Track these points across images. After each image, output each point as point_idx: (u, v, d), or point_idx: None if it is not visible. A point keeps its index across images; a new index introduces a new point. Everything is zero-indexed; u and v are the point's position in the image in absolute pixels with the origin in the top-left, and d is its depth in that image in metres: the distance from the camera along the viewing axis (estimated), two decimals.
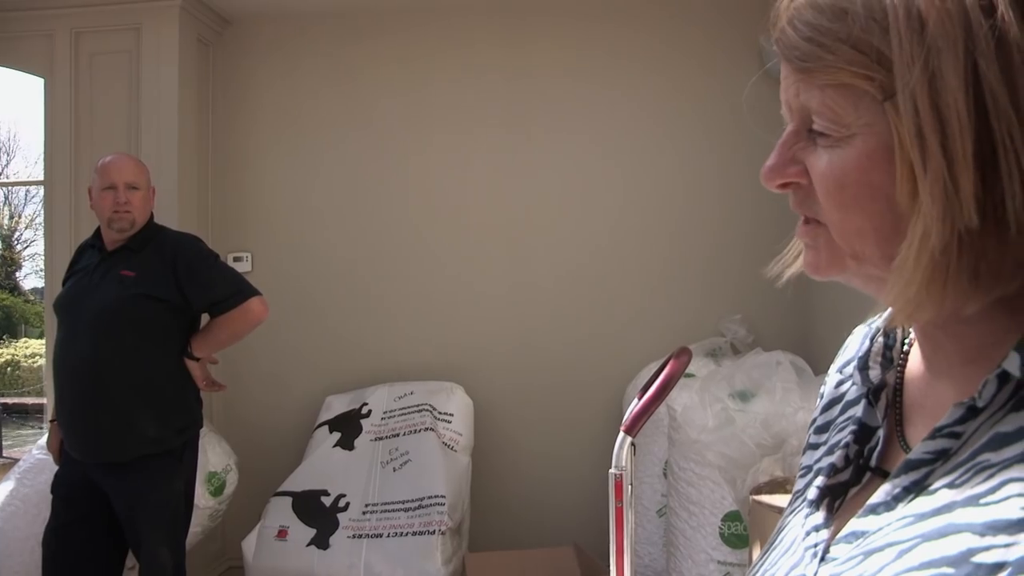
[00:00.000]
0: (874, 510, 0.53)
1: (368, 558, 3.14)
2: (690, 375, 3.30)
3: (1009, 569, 0.42)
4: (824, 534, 0.59)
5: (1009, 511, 0.45)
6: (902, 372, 0.64)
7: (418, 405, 3.75)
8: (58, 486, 2.90)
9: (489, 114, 4.05)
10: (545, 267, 4.02)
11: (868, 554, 0.52)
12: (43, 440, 3.31)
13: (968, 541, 0.45)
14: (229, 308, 2.90)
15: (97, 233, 2.97)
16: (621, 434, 2.03)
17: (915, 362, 0.62)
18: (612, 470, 2.00)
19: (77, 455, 2.84)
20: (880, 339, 0.66)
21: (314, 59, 4.16)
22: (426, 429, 3.62)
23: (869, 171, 0.52)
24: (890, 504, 0.53)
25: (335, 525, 3.30)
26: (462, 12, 4.04)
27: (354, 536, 3.24)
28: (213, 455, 3.47)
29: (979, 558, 0.44)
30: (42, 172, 4.05)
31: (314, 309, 4.18)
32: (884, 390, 0.64)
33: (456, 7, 4.03)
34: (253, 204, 4.24)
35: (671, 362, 2.11)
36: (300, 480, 3.51)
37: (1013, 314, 0.51)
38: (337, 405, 3.91)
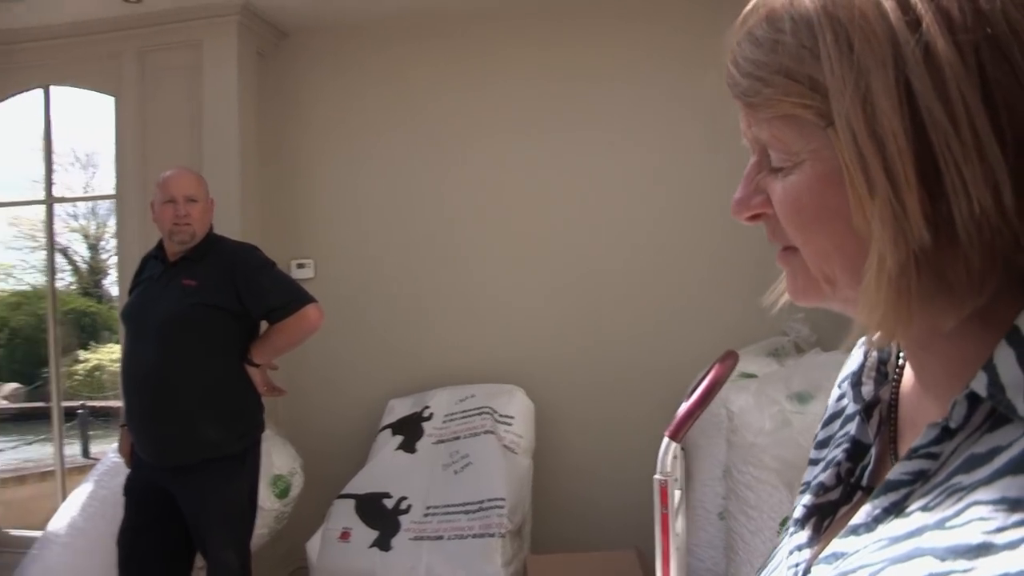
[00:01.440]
0: (855, 531, 0.53)
1: (429, 560, 3.17)
2: (751, 375, 3.24)
3: None
4: (806, 554, 0.59)
5: (970, 535, 0.44)
6: (897, 387, 0.63)
7: (479, 408, 3.76)
8: (130, 489, 3.02)
9: (539, 116, 4.04)
10: (602, 267, 3.99)
11: None
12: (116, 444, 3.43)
13: (930, 565, 0.45)
14: (286, 315, 2.97)
15: (160, 245, 3.07)
16: (665, 439, 2.01)
17: (909, 377, 0.61)
18: (656, 476, 1.98)
19: (145, 458, 2.95)
20: (875, 353, 0.65)
21: (368, 68, 4.22)
22: (486, 432, 3.63)
23: (822, 194, 0.52)
24: (870, 525, 0.52)
25: (397, 527, 3.33)
26: (512, 16, 4.05)
27: (415, 538, 3.27)
28: (279, 458, 3.54)
29: None
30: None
31: (377, 313, 4.23)
32: (878, 406, 0.63)
33: (507, 11, 4.03)
34: (315, 211, 4.31)
35: (716, 366, 2.08)
36: (363, 483, 3.56)
37: (990, 327, 0.50)
38: (400, 408, 3.96)
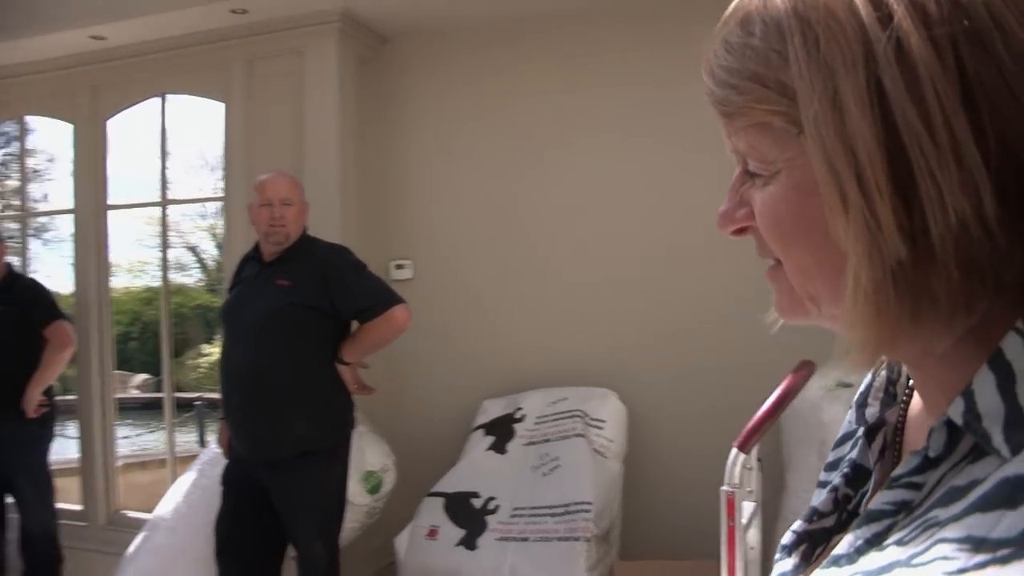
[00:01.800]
0: (836, 562, 0.50)
1: (513, 561, 3.19)
2: (847, 385, 3.12)
3: None
4: None
5: (931, 574, 0.42)
6: (906, 409, 0.59)
7: (570, 411, 3.76)
8: (227, 479, 3.15)
9: (639, 119, 4.00)
10: (701, 270, 3.92)
11: None
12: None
13: None
14: (374, 315, 3.05)
15: (257, 246, 3.19)
16: (733, 450, 1.96)
17: (917, 399, 0.58)
18: (723, 487, 1.93)
19: (241, 451, 3.08)
20: (883, 373, 0.62)
21: (466, 72, 4.26)
22: (577, 435, 3.62)
23: (800, 205, 0.50)
24: (852, 556, 0.50)
25: (483, 527, 3.36)
26: (615, 19, 4.01)
27: (501, 539, 3.30)
28: (371, 455, 3.62)
29: None
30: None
31: (474, 314, 4.27)
32: (883, 429, 0.60)
33: (609, 14, 4.00)
34: (414, 213, 4.39)
35: (790, 376, 2.02)
36: (453, 482, 3.61)
37: (984, 348, 0.46)
38: (493, 409, 3.99)
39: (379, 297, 3.06)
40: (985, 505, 0.41)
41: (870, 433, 0.59)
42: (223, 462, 3.20)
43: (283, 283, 3.03)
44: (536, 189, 4.16)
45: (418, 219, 4.38)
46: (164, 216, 4.75)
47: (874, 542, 0.48)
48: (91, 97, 4.58)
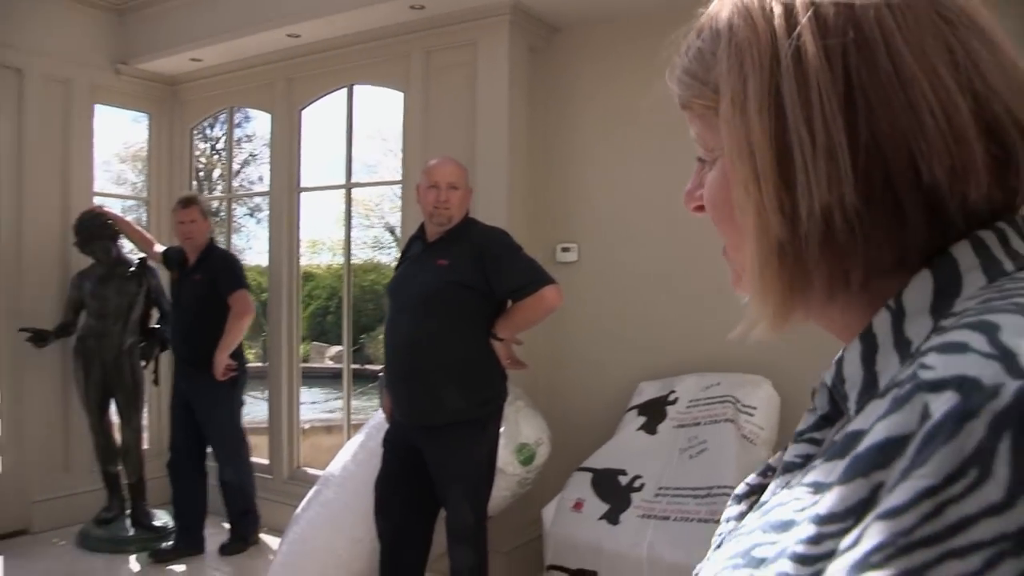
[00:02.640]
0: (760, 507, 0.57)
1: (653, 538, 3.27)
2: None
3: (768, 563, 0.48)
4: (731, 525, 0.64)
5: (784, 514, 0.50)
6: None
7: (722, 396, 3.78)
8: (387, 441, 3.39)
9: None
10: None
11: (719, 547, 0.59)
12: None
13: (755, 538, 0.51)
14: (526, 295, 3.18)
15: (422, 226, 3.40)
16: None
17: None
18: None
19: (400, 417, 3.32)
20: None
21: (636, 60, 4.30)
22: (726, 420, 3.64)
23: (724, 188, 0.58)
24: (764, 503, 0.57)
25: (627, 503, 3.46)
26: None
27: (643, 516, 3.38)
28: (527, 427, 3.78)
29: (755, 552, 0.50)
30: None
31: (633, 297, 4.34)
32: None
33: None
34: (580, 198, 4.50)
35: None
36: (602, 458, 3.72)
37: (868, 318, 0.53)
38: (648, 391, 4.05)
39: (531, 277, 3.20)
40: (831, 455, 0.47)
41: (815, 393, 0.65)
42: (386, 426, 3.47)
43: (443, 262, 3.22)
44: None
45: (584, 204, 4.49)
46: (348, 198, 5.10)
47: (787, 486, 0.55)
48: (286, 89, 5.01)
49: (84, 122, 5.10)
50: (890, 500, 0.39)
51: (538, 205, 4.42)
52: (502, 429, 3.41)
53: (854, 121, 0.49)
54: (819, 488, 0.47)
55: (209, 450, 4.57)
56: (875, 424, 0.43)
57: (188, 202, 4.52)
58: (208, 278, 4.41)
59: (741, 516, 0.64)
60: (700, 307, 4.16)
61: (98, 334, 4.59)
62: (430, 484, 3.25)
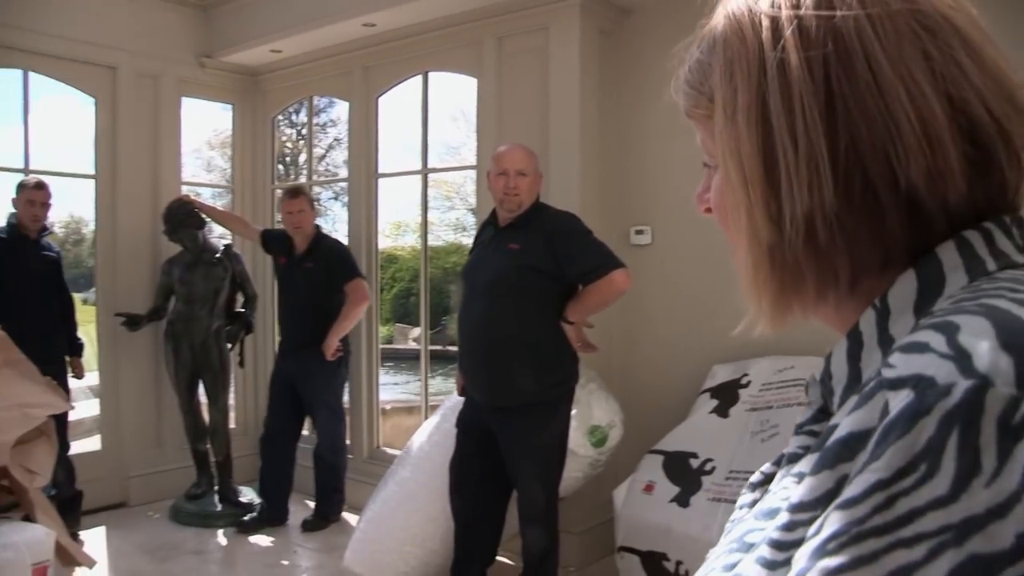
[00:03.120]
0: (766, 495, 0.60)
1: (723, 521, 3.25)
2: None
3: (755, 548, 0.51)
4: (743, 512, 0.66)
5: (773, 502, 0.54)
6: None
7: (796, 380, 3.74)
8: (461, 422, 3.47)
9: None
10: None
11: (727, 533, 0.62)
12: None
13: (749, 524, 0.55)
14: (596, 278, 3.21)
15: (494, 211, 3.45)
16: None
17: None
18: None
19: (474, 398, 3.39)
20: None
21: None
22: (799, 404, 3.61)
23: (723, 193, 0.61)
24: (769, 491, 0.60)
25: (698, 486, 3.46)
26: None
27: (714, 499, 3.38)
28: (599, 409, 3.80)
29: (747, 538, 0.55)
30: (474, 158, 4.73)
31: (708, 279, 4.29)
32: None
33: None
34: (653, 180, 4.47)
35: None
36: (674, 441, 3.72)
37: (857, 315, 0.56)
38: (722, 374, 4.03)
39: (601, 261, 3.22)
40: (815, 447, 0.50)
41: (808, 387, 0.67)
42: (461, 408, 3.54)
43: (514, 247, 3.27)
44: None
45: (658, 187, 4.46)
46: (425, 183, 5.18)
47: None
48: (363, 77, 5.12)
49: (172, 115, 5.32)
50: (848, 491, 0.43)
51: (611, 188, 4.42)
52: (574, 411, 3.45)
53: (834, 128, 0.51)
54: (802, 478, 0.49)
55: (304, 432, 4.77)
56: (844, 419, 0.46)
57: (295, 192, 4.69)
58: (320, 266, 4.59)
59: (753, 504, 0.66)
60: None
61: (186, 318, 4.79)
62: (503, 465, 3.32)
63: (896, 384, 0.44)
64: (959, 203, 0.51)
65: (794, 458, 0.59)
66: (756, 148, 0.54)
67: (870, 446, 0.43)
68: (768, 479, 0.69)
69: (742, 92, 0.55)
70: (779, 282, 0.56)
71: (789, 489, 0.52)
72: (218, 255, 4.90)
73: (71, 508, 4.38)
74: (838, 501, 0.43)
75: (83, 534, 4.41)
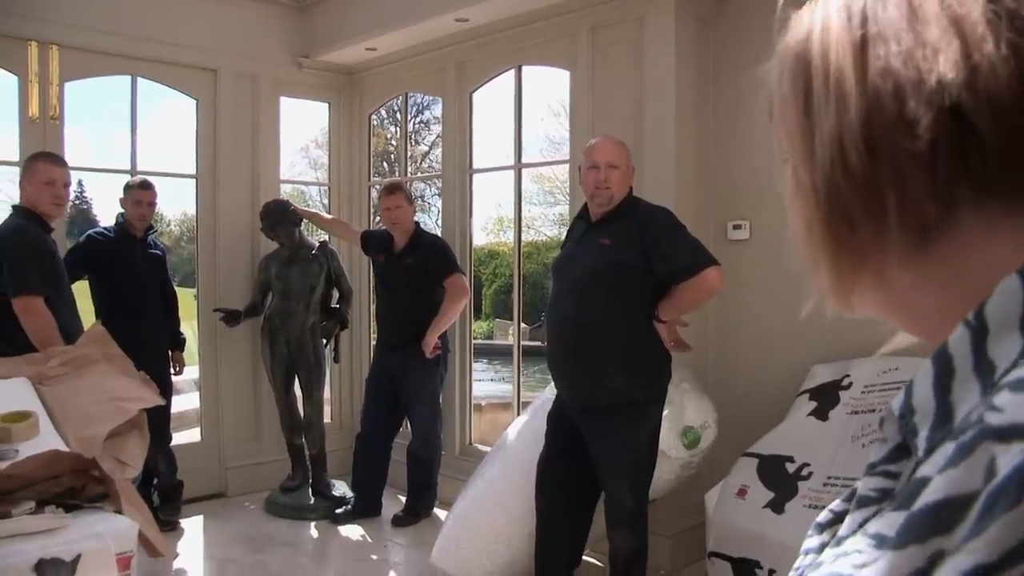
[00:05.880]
0: (839, 542, 0.51)
1: None
2: None
3: None
4: (810, 558, 0.58)
5: (843, 567, 0.44)
6: None
7: (900, 382, 3.54)
8: (550, 420, 3.42)
9: None
10: None
11: None
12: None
13: None
14: (687, 276, 3.10)
15: (586, 206, 3.38)
16: None
17: None
18: None
19: (562, 396, 3.34)
20: None
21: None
22: None
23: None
24: (841, 540, 0.51)
25: (794, 492, 3.32)
26: None
27: (810, 506, 3.24)
28: (692, 410, 3.69)
29: None
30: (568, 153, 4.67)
31: (807, 277, 4.15)
32: None
33: None
34: (751, 174, 4.31)
35: None
36: (770, 444, 3.59)
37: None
38: (822, 375, 3.87)
39: (693, 258, 3.11)
40: (899, 504, 0.41)
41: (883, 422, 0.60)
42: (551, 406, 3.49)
43: (605, 242, 3.19)
44: None
45: (756, 180, 4.30)
46: (519, 178, 5.15)
47: (863, 526, 0.48)
48: (457, 73, 5.12)
49: (270, 114, 5.45)
50: None
51: (708, 182, 4.30)
52: (666, 412, 3.36)
53: (864, 54, 0.47)
54: (882, 542, 0.41)
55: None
56: (935, 476, 0.37)
57: (393, 188, 4.73)
58: (419, 262, 4.61)
59: (822, 548, 0.57)
60: None
61: (283, 314, 4.89)
62: (591, 466, 3.25)
63: (1005, 435, 0.34)
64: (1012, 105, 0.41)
65: (866, 501, 0.50)
66: (797, 88, 0.52)
67: (971, 517, 0.34)
68: (839, 518, 0.60)
69: (791, 45, 0.54)
70: (826, 228, 0.50)
71: (864, 554, 0.42)
72: (314, 252, 4.98)
73: (172, 497, 4.53)
74: None
75: (183, 523, 4.56)
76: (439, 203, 6.45)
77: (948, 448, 0.37)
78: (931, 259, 0.46)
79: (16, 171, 3.99)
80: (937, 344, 0.45)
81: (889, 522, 0.41)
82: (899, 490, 0.46)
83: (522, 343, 5.28)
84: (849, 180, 0.47)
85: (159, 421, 3.93)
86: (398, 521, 4.68)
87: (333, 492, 4.98)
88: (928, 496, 0.36)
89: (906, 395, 0.45)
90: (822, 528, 0.59)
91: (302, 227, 5.05)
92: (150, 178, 4.63)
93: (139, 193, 4.46)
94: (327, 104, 5.85)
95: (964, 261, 0.45)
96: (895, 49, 0.44)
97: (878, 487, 0.49)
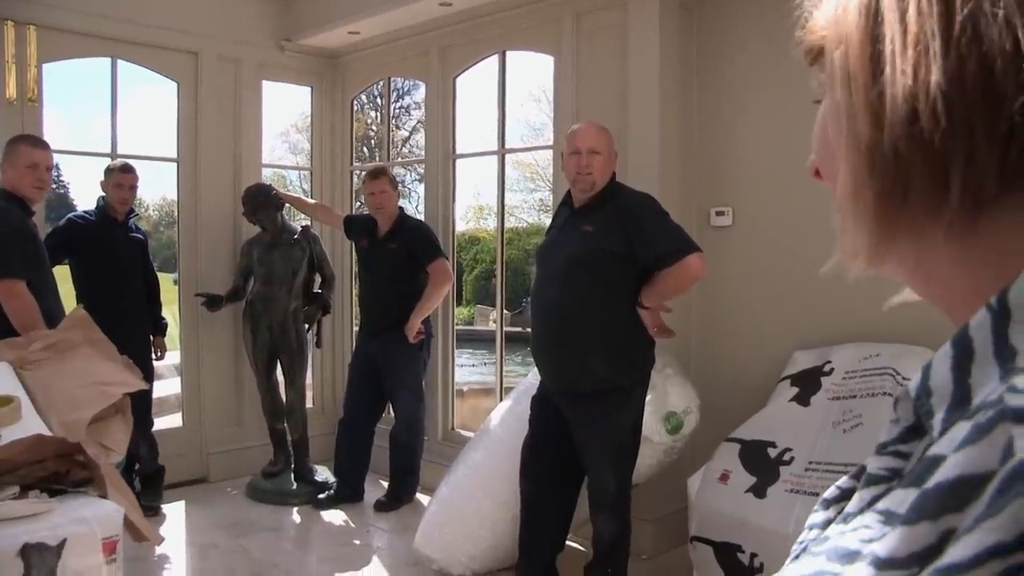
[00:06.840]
0: (845, 519, 0.51)
1: (800, 514, 3.15)
2: None
3: None
4: (814, 533, 0.58)
5: (850, 541, 0.44)
6: None
7: (881, 368, 3.59)
8: (534, 405, 3.44)
9: None
10: None
11: (796, 559, 0.53)
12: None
13: (819, 564, 0.46)
14: (670, 263, 3.11)
15: (569, 193, 3.39)
16: None
17: None
18: None
19: (546, 382, 3.35)
20: None
21: (795, 14, 4.11)
22: (884, 393, 3.46)
23: (825, 119, 0.57)
24: (848, 517, 0.51)
25: (776, 477, 3.35)
26: None
27: (791, 491, 3.27)
28: (675, 396, 3.72)
29: None
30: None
31: (790, 262, 4.16)
32: None
33: None
34: (734, 160, 4.34)
35: None
36: (752, 429, 3.62)
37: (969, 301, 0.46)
38: (803, 361, 3.90)
39: (675, 245, 3.12)
40: (909, 482, 0.41)
41: (898, 402, 0.59)
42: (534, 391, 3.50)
43: (587, 229, 3.20)
44: None
45: (739, 167, 4.33)
46: (502, 164, 5.14)
47: (872, 504, 0.48)
48: (440, 57, 5.10)
49: (252, 98, 5.42)
50: (954, 553, 0.34)
51: (691, 168, 4.31)
52: (649, 397, 3.38)
53: (951, 10, 0.43)
54: (890, 519, 0.41)
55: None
56: (951, 455, 0.37)
57: (378, 173, 4.71)
58: (403, 247, 4.60)
59: (826, 523, 0.57)
60: (859, 275, 3.96)
61: (265, 299, 4.87)
62: (575, 451, 3.27)
63: None
64: None
65: (875, 480, 0.49)
66: (864, 37, 0.47)
67: (986, 496, 0.33)
68: (845, 495, 0.60)
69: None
70: (880, 190, 0.47)
71: (872, 529, 0.43)
72: (296, 236, 4.96)
73: (154, 483, 4.52)
74: (940, 565, 0.34)
75: (164, 508, 4.54)
76: (420, 189, 6.43)
77: (963, 427, 0.37)
78: (977, 237, 0.45)
79: None
80: (958, 321, 0.45)
81: (899, 499, 0.41)
82: (910, 469, 0.45)
83: (505, 329, 5.27)
84: (916, 145, 0.44)
85: (141, 406, 3.91)
86: (381, 506, 4.69)
87: (315, 477, 4.98)
88: (942, 474, 0.36)
89: (923, 376, 0.45)
90: (828, 504, 0.59)
91: (284, 211, 5.03)
92: (131, 161, 4.59)
93: (120, 176, 4.42)
94: (309, 88, 5.82)
95: (1008, 243, 0.44)
96: (991, 13, 0.41)
97: (888, 466, 0.49)
